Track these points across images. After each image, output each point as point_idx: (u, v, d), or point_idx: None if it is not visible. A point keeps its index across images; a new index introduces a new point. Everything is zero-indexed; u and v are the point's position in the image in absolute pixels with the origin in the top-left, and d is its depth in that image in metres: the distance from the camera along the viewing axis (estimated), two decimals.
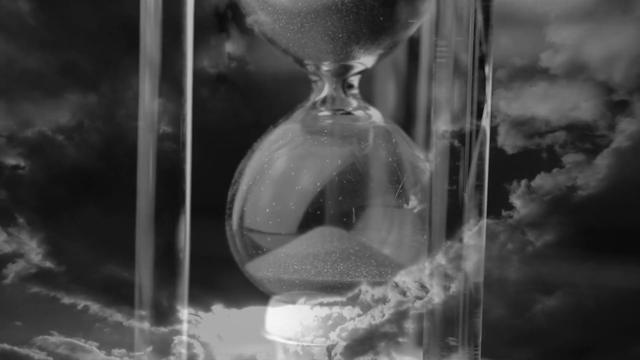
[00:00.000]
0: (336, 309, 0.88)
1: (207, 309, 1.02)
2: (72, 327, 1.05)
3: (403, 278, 0.84)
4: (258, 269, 0.89)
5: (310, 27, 0.84)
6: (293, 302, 0.89)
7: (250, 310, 0.99)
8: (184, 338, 0.91)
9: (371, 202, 0.86)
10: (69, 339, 1.04)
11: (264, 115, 0.98)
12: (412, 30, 0.87)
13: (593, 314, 1.02)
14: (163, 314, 0.91)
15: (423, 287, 0.81)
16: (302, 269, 0.87)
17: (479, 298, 0.79)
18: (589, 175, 1.01)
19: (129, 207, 0.91)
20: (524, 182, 1.02)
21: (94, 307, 1.08)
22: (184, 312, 0.91)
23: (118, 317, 1.07)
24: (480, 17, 0.77)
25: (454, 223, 0.78)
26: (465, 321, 0.79)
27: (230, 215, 0.90)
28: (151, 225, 0.90)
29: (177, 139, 0.90)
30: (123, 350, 1.01)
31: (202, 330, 1.00)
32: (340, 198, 0.86)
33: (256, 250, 0.88)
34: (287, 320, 0.89)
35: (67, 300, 1.09)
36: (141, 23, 0.90)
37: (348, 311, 0.88)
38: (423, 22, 0.89)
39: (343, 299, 0.87)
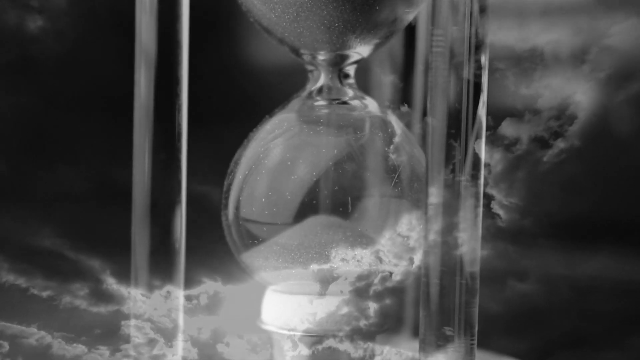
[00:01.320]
0: (328, 299, 0.88)
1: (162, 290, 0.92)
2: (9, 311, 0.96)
3: (364, 251, 0.83)
4: (254, 258, 0.89)
5: (306, 16, 0.84)
6: (289, 292, 0.89)
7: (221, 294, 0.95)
8: (181, 327, 0.91)
9: (367, 191, 0.86)
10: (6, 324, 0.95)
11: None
12: (408, 20, 0.87)
13: (568, 299, 0.99)
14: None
15: (380, 259, 0.80)
16: (298, 259, 0.87)
17: (475, 288, 0.79)
18: (567, 124, 0.90)
19: (31, 147, 0.78)
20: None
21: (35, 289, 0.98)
22: (180, 300, 0.91)
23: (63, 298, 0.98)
24: (476, 6, 0.77)
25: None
26: (462, 311, 0.79)
27: (226, 205, 0.90)
28: (147, 215, 0.90)
29: None
30: (70, 335, 0.94)
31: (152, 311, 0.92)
32: (336, 188, 0.86)
33: (252, 240, 0.88)
34: (283, 310, 0.89)
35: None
36: (137, 14, 0.90)
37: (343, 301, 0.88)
38: (419, 11, 0.89)
39: (340, 288, 0.87)
